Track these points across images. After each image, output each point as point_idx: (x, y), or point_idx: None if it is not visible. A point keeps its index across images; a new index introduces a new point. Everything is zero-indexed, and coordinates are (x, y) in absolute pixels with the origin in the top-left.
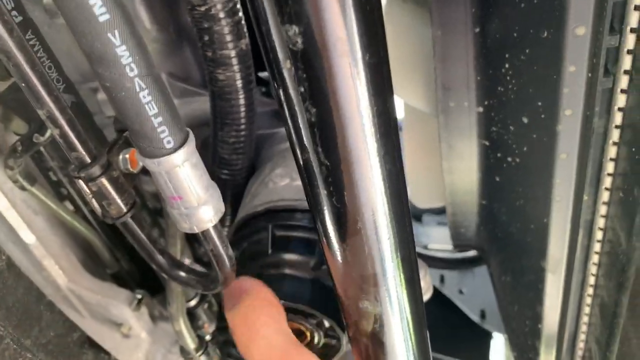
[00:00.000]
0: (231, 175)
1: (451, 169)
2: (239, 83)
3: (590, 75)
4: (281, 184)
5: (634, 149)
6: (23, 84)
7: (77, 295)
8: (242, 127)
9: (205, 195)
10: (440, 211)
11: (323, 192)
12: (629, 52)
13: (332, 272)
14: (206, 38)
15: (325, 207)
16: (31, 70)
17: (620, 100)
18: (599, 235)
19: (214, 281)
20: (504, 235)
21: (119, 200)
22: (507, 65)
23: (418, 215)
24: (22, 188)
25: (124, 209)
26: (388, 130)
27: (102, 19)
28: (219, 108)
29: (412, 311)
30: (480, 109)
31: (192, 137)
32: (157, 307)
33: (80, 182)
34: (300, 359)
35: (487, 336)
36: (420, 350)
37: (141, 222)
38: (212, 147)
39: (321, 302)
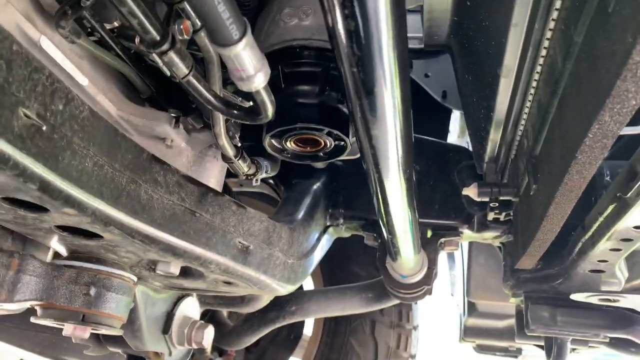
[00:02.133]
0: (244, 14)
1: (431, 2)
2: None
3: None
4: (291, 24)
5: None
6: None
7: (127, 120)
8: None
9: (259, 64)
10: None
11: None
12: None
13: None
14: None
15: None
16: None
17: None
18: (543, 53)
19: (259, 116)
20: (470, 46)
21: (182, 65)
22: None
23: None
24: (72, 42)
25: (187, 71)
26: None
27: None
28: None
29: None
30: None
31: (248, 25)
32: (190, 121)
33: (154, 55)
34: None
35: (447, 112)
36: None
37: (199, 77)
38: None
39: (328, 118)
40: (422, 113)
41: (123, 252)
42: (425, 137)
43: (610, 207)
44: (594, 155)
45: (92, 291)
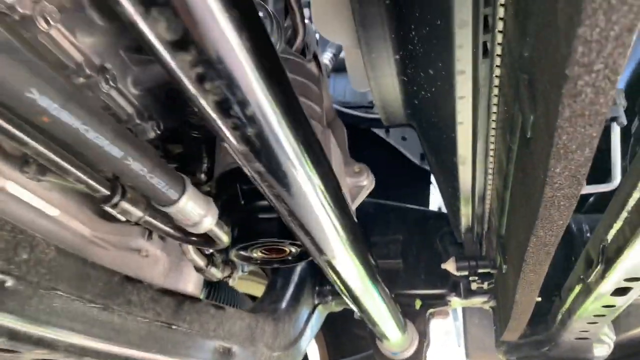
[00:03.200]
0: (202, 134)
1: (381, 98)
2: None
3: (474, 51)
4: None
5: (506, 107)
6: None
7: (101, 238)
8: None
9: (204, 210)
10: None
11: None
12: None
13: None
14: None
15: None
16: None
17: (496, 69)
18: (491, 147)
19: (216, 244)
20: (426, 135)
21: (136, 210)
22: (413, 33)
23: None
24: (38, 180)
25: (141, 214)
26: None
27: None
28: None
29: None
30: (397, 57)
31: (187, 181)
32: None
33: (107, 207)
34: None
35: (427, 174)
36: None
37: (155, 215)
38: (179, 113)
39: (287, 230)
40: (401, 179)
41: None
42: (405, 205)
43: (577, 287)
44: (540, 259)
45: None
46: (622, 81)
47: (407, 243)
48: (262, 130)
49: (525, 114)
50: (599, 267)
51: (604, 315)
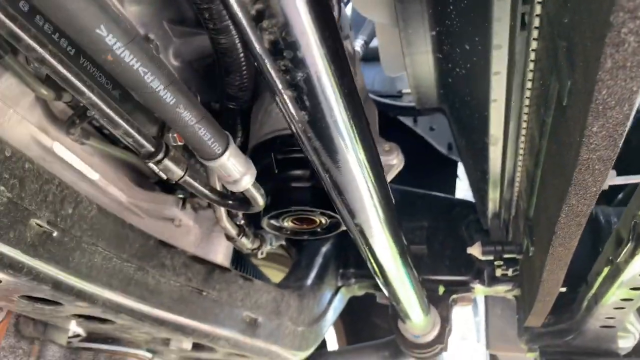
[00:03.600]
0: (238, 106)
1: (415, 76)
2: (239, 45)
3: (512, 24)
4: (282, 114)
5: (541, 81)
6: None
7: (137, 206)
8: (245, 73)
9: (244, 169)
10: None
11: None
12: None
13: None
14: (207, 15)
15: None
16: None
17: (533, 42)
18: (524, 125)
19: (252, 207)
20: (458, 115)
21: (177, 169)
22: (451, 7)
23: None
24: (82, 143)
25: (182, 173)
26: None
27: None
28: (224, 63)
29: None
30: (434, 33)
31: (230, 138)
32: (196, 201)
33: (151, 164)
34: None
35: (454, 164)
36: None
37: (194, 176)
38: (219, 84)
39: (319, 200)
40: (428, 169)
41: (136, 332)
42: (432, 193)
43: (606, 270)
44: (571, 231)
45: None
46: None
47: (433, 230)
48: (310, 76)
49: (562, 81)
50: (629, 245)
51: (631, 300)
